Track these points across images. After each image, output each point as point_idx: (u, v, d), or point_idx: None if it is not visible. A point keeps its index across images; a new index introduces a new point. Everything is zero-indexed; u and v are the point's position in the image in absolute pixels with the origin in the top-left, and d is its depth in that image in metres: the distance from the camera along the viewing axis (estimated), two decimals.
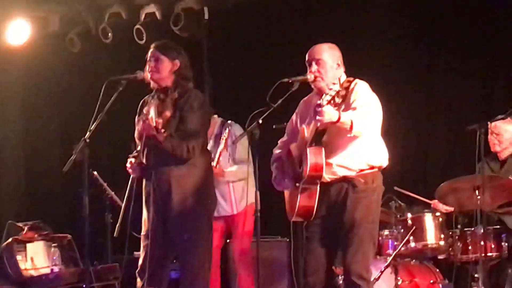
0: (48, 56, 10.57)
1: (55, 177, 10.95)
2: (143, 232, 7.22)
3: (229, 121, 8.71)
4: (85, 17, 10.24)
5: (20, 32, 10.06)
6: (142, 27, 9.78)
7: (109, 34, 10.05)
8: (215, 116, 8.77)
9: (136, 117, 7.24)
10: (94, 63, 10.48)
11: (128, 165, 7.20)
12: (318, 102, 6.46)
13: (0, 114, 11.01)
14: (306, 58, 6.71)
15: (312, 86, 6.74)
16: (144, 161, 7.11)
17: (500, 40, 9.46)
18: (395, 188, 8.13)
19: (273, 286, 8.65)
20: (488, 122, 8.06)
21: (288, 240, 8.87)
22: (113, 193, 8.68)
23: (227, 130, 8.60)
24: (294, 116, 6.93)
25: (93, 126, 7.12)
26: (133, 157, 7.20)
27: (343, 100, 6.47)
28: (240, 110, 8.88)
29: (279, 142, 7.03)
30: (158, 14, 9.78)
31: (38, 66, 10.68)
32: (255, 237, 8.64)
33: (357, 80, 6.60)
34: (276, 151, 7.01)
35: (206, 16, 9.79)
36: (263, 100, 6.88)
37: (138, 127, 7.17)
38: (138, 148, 7.25)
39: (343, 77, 6.64)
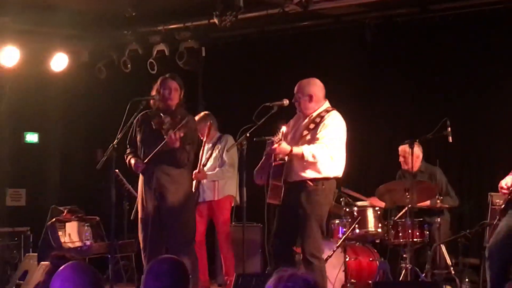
0: (81, 81, 10.60)
1: (84, 173, 11.06)
2: (140, 216, 7.25)
3: (225, 134, 8.86)
4: (109, 52, 10.26)
5: (60, 62, 10.04)
6: (154, 60, 9.85)
7: (128, 65, 10.11)
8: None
9: (135, 126, 7.29)
10: (116, 87, 10.50)
11: (133, 162, 7.27)
12: (272, 139, 6.68)
13: (44, 124, 11.05)
14: (295, 89, 6.91)
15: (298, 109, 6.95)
16: (146, 161, 7.20)
17: (425, 77, 9.53)
18: (342, 189, 8.07)
19: (250, 261, 8.61)
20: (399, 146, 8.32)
21: (261, 225, 8.90)
22: (130, 186, 8.71)
23: (224, 140, 8.81)
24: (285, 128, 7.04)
25: (119, 135, 7.30)
26: (132, 157, 7.30)
27: (316, 126, 6.73)
28: (228, 127, 8.91)
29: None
30: (166, 51, 9.78)
31: (73, 88, 10.71)
32: (236, 222, 8.92)
33: (332, 112, 6.80)
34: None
35: (203, 54, 9.83)
36: (248, 119, 7.10)
37: (139, 135, 7.31)
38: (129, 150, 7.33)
39: (325, 106, 6.87)
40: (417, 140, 8.04)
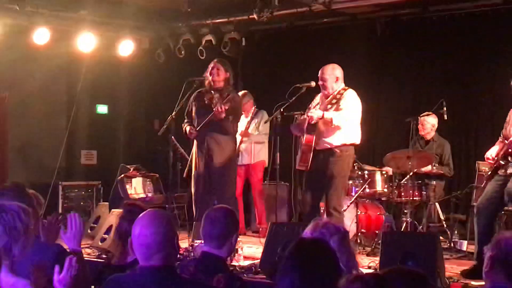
0: (143, 64, 10.64)
1: (144, 138, 11.28)
2: (193, 174, 7.41)
3: (261, 110, 8.98)
4: (167, 40, 10.27)
5: (126, 48, 10.07)
6: (203, 48, 9.85)
7: (182, 51, 10.10)
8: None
9: (191, 101, 7.44)
10: (172, 70, 10.50)
11: (188, 129, 7.39)
12: (309, 106, 6.76)
13: (113, 98, 11.15)
14: (319, 73, 6.96)
15: (321, 90, 6.99)
16: (198, 129, 7.33)
17: (425, 63, 9.56)
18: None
19: (279, 212, 8.62)
20: (418, 117, 8.35)
21: (288, 184, 8.88)
22: (182, 150, 8.72)
23: (260, 115, 8.90)
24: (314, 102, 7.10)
25: (177, 108, 7.41)
26: (188, 126, 7.41)
27: (337, 101, 6.77)
28: (262, 104, 9.08)
29: (295, 119, 7.19)
30: (213, 41, 9.77)
31: (137, 69, 10.73)
32: (269, 180, 8.99)
33: (348, 90, 6.87)
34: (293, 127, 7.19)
35: (243, 43, 9.84)
36: (279, 97, 7.19)
37: (194, 108, 7.39)
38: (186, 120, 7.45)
39: (339, 86, 6.91)
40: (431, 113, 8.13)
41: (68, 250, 4.10)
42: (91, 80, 10.33)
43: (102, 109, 11.20)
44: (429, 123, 8.49)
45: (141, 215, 3.26)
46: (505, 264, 3.51)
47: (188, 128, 7.36)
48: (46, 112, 10.41)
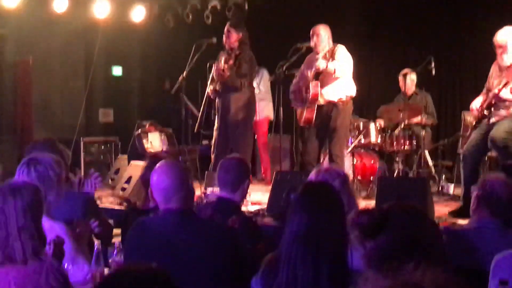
0: (154, 28, 10.57)
1: (156, 97, 11.28)
2: (215, 127, 7.55)
3: (261, 68, 8.92)
4: (175, 6, 10.20)
5: (138, 13, 10.04)
6: (210, 13, 9.80)
7: (190, 16, 10.03)
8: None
9: (216, 62, 7.50)
10: (180, 34, 10.46)
11: (208, 90, 7.51)
12: (316, 56, 6.82)
13: (127, 60, 11.18)
14: (310, 33, 7.01)
15: (313, 50, 7.06)
16: (216, 88, 7.44)
17: (415, 21, 9.51)
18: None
19: (282, 162, 8.73)
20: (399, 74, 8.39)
21: (290, 136, 8.99)
22: (192, 107, 8.86)
23: (261, 73, 8.90)
24: (302, 66, 7.22)
25: (187, 69, 7.45)
26: (210, 84, 7.50)
27: (331, 54, 6.83)
28: (265, 63, 9.01)
29: (293, 81, 7.33)
30: (218, 6, 9.72)
31: (149, 33, 10.67)
32: (273, 133, 9.05)
33: (339, 45, 6.93)
34: (292, 87, 7.33)
35: (246, 8, 9.78)
36: (280, 56, 7.23)
37: (213, 69, 7.48)
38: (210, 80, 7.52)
39: (331, 44, 6.97)
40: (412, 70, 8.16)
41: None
42: (106, 44, 10.31)
43: (117, 70, 11.22)
44: (410, 79, 8.48)
45: (157, 165, 3.35)
46: (489, 203, 3.63)
47: (208, 89, 7.47)
48: (66, 74, 10.46)
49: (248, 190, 6.53)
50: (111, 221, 5.01)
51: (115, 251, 3.65)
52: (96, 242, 3.64)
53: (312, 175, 3.69)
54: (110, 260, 3.66)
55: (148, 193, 4.40)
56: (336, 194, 2.93)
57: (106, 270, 3.61)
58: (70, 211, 4.02)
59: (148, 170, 4.55)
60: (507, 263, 3.00)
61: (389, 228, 2.14)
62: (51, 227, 3.58)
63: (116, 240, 3.78)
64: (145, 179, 4.59)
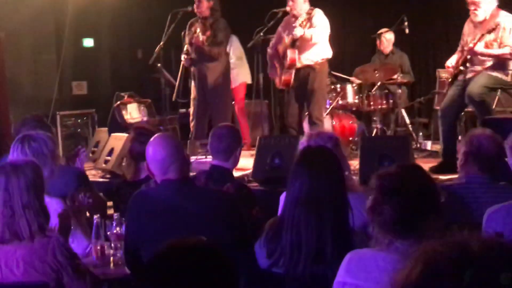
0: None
1: (130, 67, 11.13)
2: (192, 96, 7.58)
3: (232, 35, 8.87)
4: None
5: None
6: None
7: None
8: None
9: (186, 31, 7.50)
10: (151, 2, 10.33)
11: (182, 58, 7.50)
12: (293, 25, 6.85)
13: (98, 31, 11.02)
14: None
15: (289, 13, 7.09)
16: (192, 57, 7.44)
17: None
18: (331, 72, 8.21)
19: (260, 127, 8.81)
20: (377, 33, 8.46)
21: (267, 101, 9.00)
22: (169, 76, 8.79)
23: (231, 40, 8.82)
24: (279, 28, 7.20)
25: (164, 39, 7.44)
26: (185, 54, 7.50)
27: (308, 21, 6.87)
28: (241, 29, 8.83)
29: (270, 44, 7.35)
30: None
31: (118, 3, 10.47)
32: (252, 99, 9.04)
33: (316, 9, 6.96)
34: (269, 50, 7.35)
35: None
36: (258, 21, 7.23)
37: (187, 38, 7.47)
38: (185, 48, 7.51)
39: (307, 7, 7.00)
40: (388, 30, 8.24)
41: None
42: (76, 15, 10.19)
43: (88, 42, 11.09)
44: (387, 38, 8.62)
45: (151, 138, 3.39)
46: (477, 158, 3.74)
47: (182, 57, 7.44)
48: (37, 48, 10.30)
49: None
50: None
51: (114, 223, 3.71)
52: (95, 216, 3.69)
53: (304, 141, 3.75)
54: (108, 233, 3.71)
55: (144, 165, 4.46)
56: (334, 157, 3.02)
57: (106, 243, 3.67)
58: (64, 187, 4.05)
59: (134, 142, 4.61)
60: (500, 216, 3.11)
61: (404, 191, 2.21)
62: (48, 203, 3.61)
63: (114, 213, 3.82)
64: (132, 151, 4.64)
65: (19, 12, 9.66)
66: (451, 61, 6.50)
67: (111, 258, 3.59)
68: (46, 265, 2.94)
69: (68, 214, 3.46)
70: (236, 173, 6.40)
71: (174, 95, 7.87)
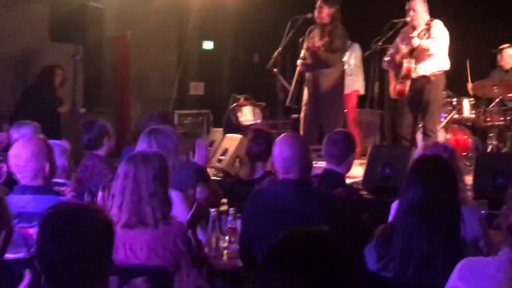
0: (244, 3, 10.66)
1: (248, 71, 11.25)
2: (304, 102, 7.69)
3: (354, 43, 8.76)
4: None
5: None
6: None
7: None
8: None
9: (305, 37, 7.56)
10: (270, 8, 10.45)
11: (298, 63, 7.61)
12: (410, 35, 6.86)
13: (217, 35, 11.37)
14: (406, 7, 7.03)
15: (409, 24, 7.08)
16: (308, 62, 7.55)
17: None
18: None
19: (372, 136, 8.81)
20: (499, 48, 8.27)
21: (380, 111, 8.92)
22: (284, 81, 8.82)
23: (352, 47, 8.84)
24: (397, 39, 7.19)
25: (283, 44, 7.59)
26: (302, 59, 7.62)
27: (427, 31, 6.84)
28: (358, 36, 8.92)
29: (388, 53, 7.34)
30: None
31: (239, 9, 10.76)
32: (362, 108, 9.02)
33: (435, 20, 6.92)
34: (386, 58, 7.35)
35: None
36: (378, 30, 7.23)
37: (305, 44, 7.57)
38: (302, 54, 7.61)
39: (427, 17, 6.97)
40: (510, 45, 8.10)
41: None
42: (198, 19, 10.54)
43: (208, 45, 11.44)
44: (508, 54, 8.48)
45: (279, 137, 3.54)
46: None
47: (298, 62, 7.54)
48: (160, 49, 10.74)
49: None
50: None
51: (229, 218, 3.88)
52: (212, 210, 3.88)
53: (419, 150, 3.80)
54: (223, 227, 3.88)
55: (254, 165, 4.62)
56: (449, 167, 3.05)
57: (221, 236, 3.85)
58: (183, 180, 4.25)
59: (251, 142, 4.79)
60: None
61: None
62: (169, 195, 3.82)
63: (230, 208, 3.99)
64: (249, 152, 4.83)
65: (145, 14, 10.11)
66: None
67: (225, 251, 3.76)
68: (167, 251, 3.12)
69: (205, 205, 3.65)
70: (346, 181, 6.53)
71: (288, 100, 7.96)
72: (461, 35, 9.42)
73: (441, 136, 7.82)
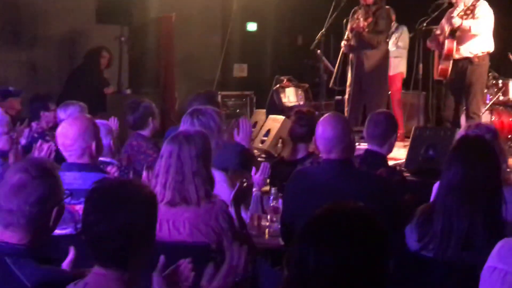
0: None
1: (291, 52, 11.24)
2: (348, 83, 7.69)
3: (401, 25, 8.78)
4: None
5: None
6: None
7: None
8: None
9: (349, 18, 7.58)
10: None
11: (342, 45, 7.62)
12: (452, 15, 6.79)
13: (262, 18, 11.34)
14: None
15: (454, 5, 7.00)
16: (352, 43, 7.54)
17: None
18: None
19: (416, 118, 8.71)
20: None
21: (424, 93, 8.84)
22: (327, 62, 8.76)
23: (400, 30, 8.83)
24: (443, 20, 7.14)
25: (326, 25, 7.59)
26: (345, 40, 7.61)
27: (471, 12, 6.76)
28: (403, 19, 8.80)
29: (432, 33, 7.30)
30: None
31: None
32: (411, 90, 8.95)
33: (481, 0, 6.85)
34: (429, 40, 7.28)
35: None
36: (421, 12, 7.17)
37: (349, 25, 7.57)
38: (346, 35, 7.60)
39: None
40: None
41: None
42: (242, 1, 10.54)
43: (252, 26, 11.45)
44: None
45: (323, 117, 3.56)
46: None
47: (342, 43, 7.55)
48: (204, 30, 10.79)
49: None
50: None
51: (271, 197, 3.93)
52: (254, 189, 3.93)
53: (462, 130, 3.78)
54: (265, 206, 3.94)
55: (296, 146, 4.65)
56: (491, 147, 3.04)
57: (263, 215, 3.90)
58: (226, 160, 4.31)
59: (294, 124, 4.83)
60: None
61: None
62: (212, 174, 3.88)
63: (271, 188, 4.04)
64: (292, 133, 4.87)
65: None
66: None
67: (266, 230, 3.82)
68: (209, 228, 3.19)
69: (249, 186, 3.71)
70: (388, 162, 6.52)
71: (332, 81, 8.02)
72: (509, 15, 9.32)
73: (486, 118, 7.78)
